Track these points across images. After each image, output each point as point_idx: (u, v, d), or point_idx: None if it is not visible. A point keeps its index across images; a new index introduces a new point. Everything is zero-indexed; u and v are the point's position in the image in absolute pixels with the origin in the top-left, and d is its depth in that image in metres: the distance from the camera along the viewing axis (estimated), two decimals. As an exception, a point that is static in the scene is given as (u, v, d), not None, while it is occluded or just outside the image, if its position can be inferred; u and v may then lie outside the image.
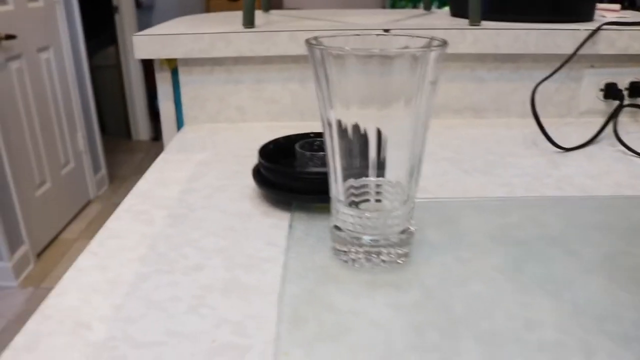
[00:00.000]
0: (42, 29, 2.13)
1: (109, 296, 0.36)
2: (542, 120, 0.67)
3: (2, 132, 1.80)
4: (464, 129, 0.72)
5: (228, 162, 0.60)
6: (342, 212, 0.36)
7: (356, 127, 0.33)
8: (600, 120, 0.69)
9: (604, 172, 0.56)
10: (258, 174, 0.50)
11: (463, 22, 0.77)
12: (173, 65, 0.73)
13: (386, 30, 0.69)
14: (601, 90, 0.75)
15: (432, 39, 0.35)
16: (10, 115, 1.87)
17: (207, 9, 4.48)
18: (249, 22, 0.71)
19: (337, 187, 0.36)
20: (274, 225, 0.45)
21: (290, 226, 0.44)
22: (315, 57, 0.32)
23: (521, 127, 0.72)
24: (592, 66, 0.74)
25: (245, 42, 0.69)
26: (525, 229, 0.43)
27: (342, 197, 0.36)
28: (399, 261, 0.38)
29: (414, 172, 0.36)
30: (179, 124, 0.77)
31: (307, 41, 0.33)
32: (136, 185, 0.55)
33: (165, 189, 0.53)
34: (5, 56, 1.86)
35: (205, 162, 0.60)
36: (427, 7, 1.00)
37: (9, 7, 1.91)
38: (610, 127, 0.67)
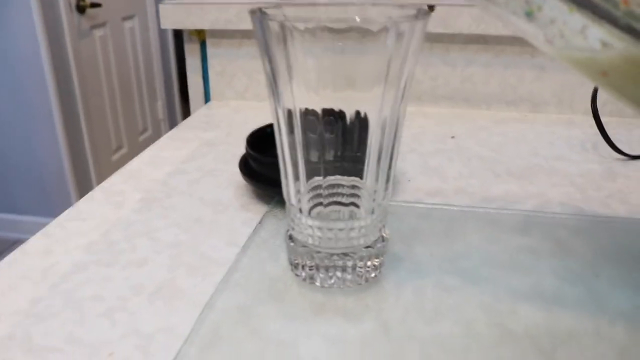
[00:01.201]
0: (129, -2, 2.18)
1: (34, 287, 0.32)
2: (615, 120, 0.56)
3: (81, 97, 1.87)
4: (515, 124, 0.62)
5: (234, 144, 0.55)
6: (293, 219, 0.30)
7: (306, 117, 0.27)
8: (685, 125, 0.57)
9: (673, 189, 0.46)
10: (246, 160, 0.45)
11: None
12: (203, 37, 0.69)
13: (430, 7, 0.61)
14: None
15: (419, 10, 0.28)
16: (91, 82, 1.94)
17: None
18: (281, -8, 0.66)
19: (288, 187, 0.30)
20: (247, 221, 0.39)
21: (259, 223, 0.38)
22: (256, 31, 0.26)
23: (585, 126, 0.61)
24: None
25: (271, 14, 0.63)
26: (541, 256, 0.34)
27: (293, 201, 0.30)
28: (367, 278, 0.31)
29: (384, 172, 0.29)
30: (207, 99, 0.73)
31: (251, 11, 0.27)
32: (130, 161, 0.52)
33: (154, 169, 0.49)
34: (90, 24, 1.92)
35: (210, 142, 0.56)
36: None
37: (97, -24, 1.97)
38: (695, 133, 0.55)
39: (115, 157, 2.16)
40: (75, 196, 1.92)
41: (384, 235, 0.31)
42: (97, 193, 0.45)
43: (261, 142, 0.44)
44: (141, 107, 2.34)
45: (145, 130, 2.40)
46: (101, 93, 2.02)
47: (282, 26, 0.24)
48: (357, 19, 0.26)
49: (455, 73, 0.66)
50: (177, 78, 2.65)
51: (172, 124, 2.65)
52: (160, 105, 2.49)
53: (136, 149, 2.32)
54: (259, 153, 0.42)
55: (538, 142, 0.56)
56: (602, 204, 0.43)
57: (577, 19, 0.24)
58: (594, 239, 0.36)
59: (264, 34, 0.26)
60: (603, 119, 0.53)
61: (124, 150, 2.22)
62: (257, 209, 0.41)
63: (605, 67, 0.25)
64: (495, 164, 0.50)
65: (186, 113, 2.94)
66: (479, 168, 0.49)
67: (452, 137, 0.57)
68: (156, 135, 2.50)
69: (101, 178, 2.04)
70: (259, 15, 0.26)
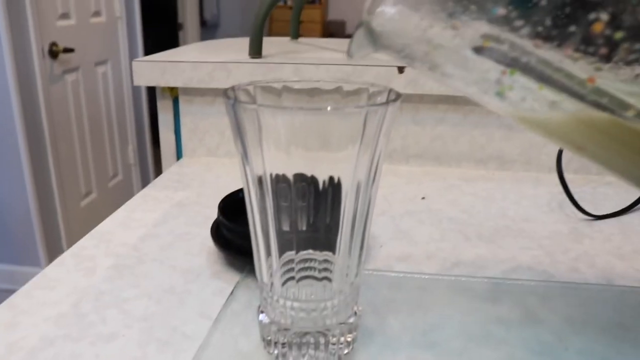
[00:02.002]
0: (102, 43, 2.19)
1: (-3, 366, 0.31)
2: (579, 177, 0.58)
3: (50, 141, 1.85)
4: (484, 183, 0.63)
5: (206, 204, 0.55)
6: (265, 297, 0.30)
7: (277, 184, 0.27)
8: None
9: (639, 250, 0.47)
10: (217, 226, 0.45)
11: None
12: (175, 94, 0.70)
13: (400, 69, 0.63)
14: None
15: (390, 91, 0.29)
16: (61, 126, 1.92)
17: (270, 30, 4.55)
18: (255, 52, 0.67)
19: (260, 264, 0.30)
20: (219, 291, 0.39)
21: (231, 294, 0.38)
22: (228, 108, 0.27)
23: (551, 184, 0.63)
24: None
25: (245, 74, 0.64)
26: (512, 326, 0.35)
27: (265, 279, 0.30)
28: (339, 355, 0.31)
29: (357, 246, 0.29)
30: (179, 156, 0.73)
31: (225, 92, 0.27)
32: (101, 223, 0.51)
33: (126, 231, 0.49)
34: (63, 68, 1.91)
35: (182, 203, 0.56)
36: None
37: (71, 22, 1.98)
38: (654, 194, 0.57)
39: (85, 202, 2.13)
40: (41, 242, 1.87)
41: (357, 310, 0.32)
42: (67, 258, 0.44)
43: (233, 206, 0.44)
44: (112, 151, 2.32)
45: (115, 175, 2.37)
46: (71, 137, 2.00)
47: (256, 112, 0.25)
48: (329, 108, 0.27)
49: (425, 132, 0.68)
50: (149, 122, 2.64)
51: (143, 169, 2.63)
52: (131, 149, 2.47)
53: (106, 195, 2.29)
54: (232, 217, 0.42)
55: (506, 201, 0.58)
56: (569, 268, 0.44)
57: (547, 95, 0.25)
58: (562, 307, 0.37)
59: (237, 116, 0.26)
60: (568, 176, 0.54)
61: (93, 196, 2.19)
62: (229, 278, 0.41)
63: (578, 141, 0.26)
64: (466, 227, 0.51)
65: (157, 158, 2.92)
66: (450, 231, 0.50)
67: (423, 197, 0.58)
68: (127, 180, 2.47)
69: (69, 224, 2.00)
70: (232, 101, 0.26)
